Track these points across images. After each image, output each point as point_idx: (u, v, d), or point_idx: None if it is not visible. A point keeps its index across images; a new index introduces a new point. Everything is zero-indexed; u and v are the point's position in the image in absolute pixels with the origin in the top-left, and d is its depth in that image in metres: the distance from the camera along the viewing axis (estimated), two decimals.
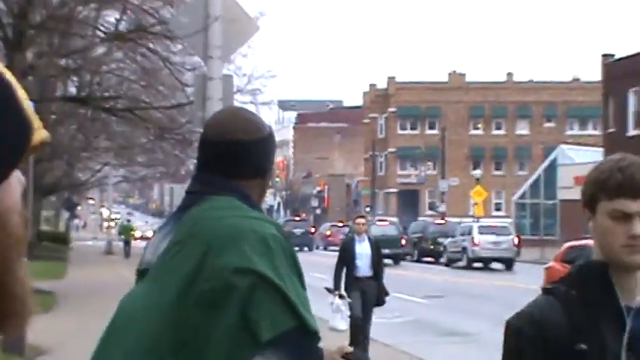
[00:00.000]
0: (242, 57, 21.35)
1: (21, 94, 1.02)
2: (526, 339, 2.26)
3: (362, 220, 14.41)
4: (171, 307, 2.22)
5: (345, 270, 13.31)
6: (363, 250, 13.24)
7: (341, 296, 12.20)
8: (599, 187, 2.17)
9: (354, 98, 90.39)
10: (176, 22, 13.23)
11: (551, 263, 21.55)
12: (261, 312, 2.17)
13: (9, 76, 1.02)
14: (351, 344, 9.26)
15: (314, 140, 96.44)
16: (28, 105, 1.03)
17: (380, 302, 13.20)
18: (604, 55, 48.74)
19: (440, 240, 45.77)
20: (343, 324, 12.21)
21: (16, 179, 1.05)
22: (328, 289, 12.58)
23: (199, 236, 2.29)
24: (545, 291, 2.29)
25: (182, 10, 14.18)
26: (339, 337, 11.07)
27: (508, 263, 40.64)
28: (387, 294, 13.41)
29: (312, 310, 2.32)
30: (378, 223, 47.99)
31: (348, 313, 12.41)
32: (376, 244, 13.90)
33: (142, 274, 2.41)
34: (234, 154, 2.41)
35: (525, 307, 2.30)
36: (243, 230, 2.26)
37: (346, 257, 13.43)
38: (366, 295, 12.97)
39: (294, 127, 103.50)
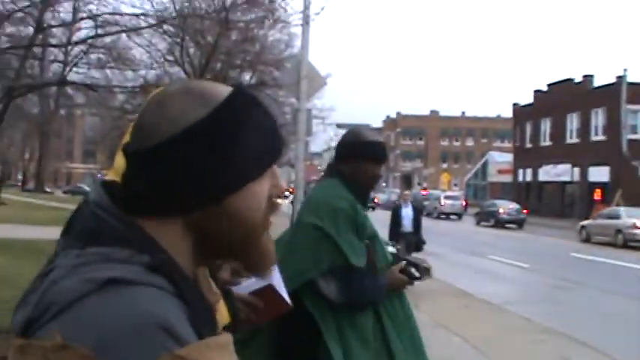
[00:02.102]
0: (317, 99, 27.08)
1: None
2: None
3: (408, 192, 16.53)
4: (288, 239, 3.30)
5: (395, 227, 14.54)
6: (407, 212, 14.55)
7: (393, 245, 9.64)
8: None
9: (377, 122, 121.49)
10: (282, 79, 16.57)
11: None
12: (322, 253, 3.08)
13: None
14: None
15: None
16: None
17: (419, 248, 14.23)
18: (514, 104, 65.66)
19: (424, 202, 54.62)
20: None
21: (265, 184, 1.17)
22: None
23: (304, 205, 3.37)
24: None
25: (285, 71, 16.55)
26: None
27: (459, 215, 53.33)
28: (423, 242, 14.80)
29: (363, 254, 3.12)
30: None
31: None
32: (417, 209, 15.04)
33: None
34: (351, 150, 3.28)
35: None
36: (320, 203, 3.21)
37: (396, 218, 14.67)
38: (409, 244, 13.99)
39: None
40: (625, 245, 29.46)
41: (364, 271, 3.12)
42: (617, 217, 31.59)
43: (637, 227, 29.71)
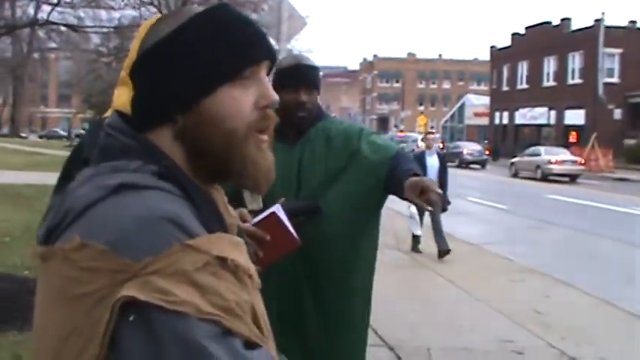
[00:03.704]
0: (295, 40, 23.75)
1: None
2: None
3: (432, 136, 12.57)
4: None
5: None
6: (432, 163, 11.57)
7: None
8: None
9: (353, 64, 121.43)
10: (262, 21, 14.77)
11: None
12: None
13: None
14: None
15: (331, 88, 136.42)
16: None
17: (444, 209, 10.74)
18: (491, 47, 64.84)
19: (401, 144, 56.66)
20: (419, 229, 11.55)
21: (245, 91, 1.16)
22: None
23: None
24: None
25: (264, 14, 16.99)
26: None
27: None
28: (448, 203, 10.85)
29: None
30: None
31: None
32: (443, 158, 12.07)
33: None
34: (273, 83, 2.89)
35: None
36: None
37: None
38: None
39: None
40: (544, 179, 33.86)
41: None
42: (537, 154, 35.92)
43: (552, 163, 34.20)
